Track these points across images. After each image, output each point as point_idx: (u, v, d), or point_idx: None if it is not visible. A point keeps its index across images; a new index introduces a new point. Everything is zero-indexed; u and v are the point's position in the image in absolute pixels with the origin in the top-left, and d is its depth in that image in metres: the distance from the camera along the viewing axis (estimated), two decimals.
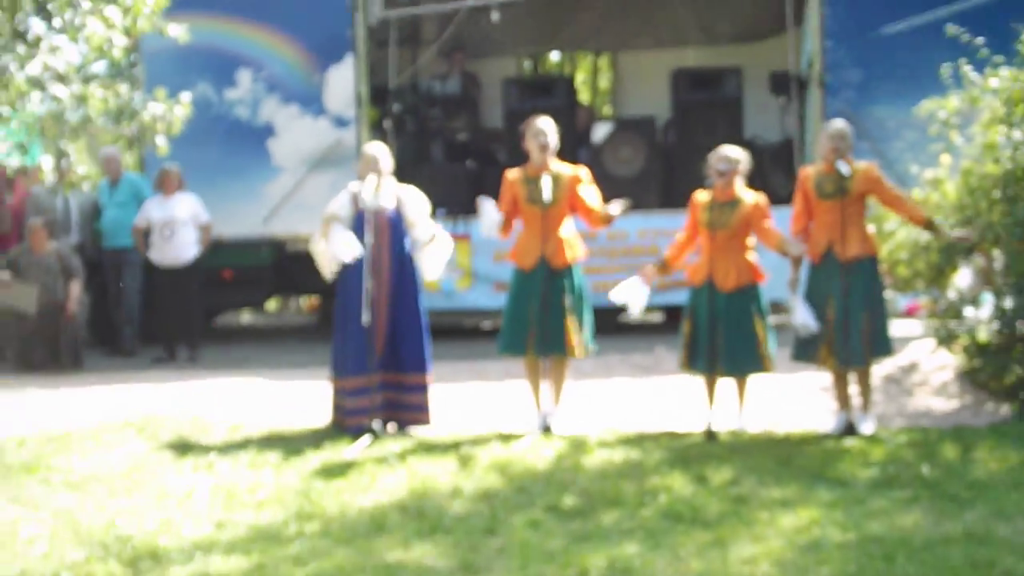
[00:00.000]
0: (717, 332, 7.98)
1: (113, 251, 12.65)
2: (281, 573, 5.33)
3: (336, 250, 8.14)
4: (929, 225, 8.17)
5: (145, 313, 12.68)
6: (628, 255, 12.33)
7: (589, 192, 8.29)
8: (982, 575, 5.09)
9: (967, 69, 9.79)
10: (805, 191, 8.17)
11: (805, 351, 8.07)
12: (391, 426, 8.22)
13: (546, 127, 8.29)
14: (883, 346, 7.97)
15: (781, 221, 8.86)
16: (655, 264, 8.42)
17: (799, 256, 8.18)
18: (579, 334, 8.19)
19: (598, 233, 10.89)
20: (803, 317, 7.91)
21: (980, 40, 9.79)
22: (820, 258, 8.01)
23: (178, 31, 10.19)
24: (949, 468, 6.87)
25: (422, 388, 8.32)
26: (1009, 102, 9.16)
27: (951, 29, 10.06)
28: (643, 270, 8.41)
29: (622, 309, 13.35)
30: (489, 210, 8.29)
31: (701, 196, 8.18)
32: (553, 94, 13.86)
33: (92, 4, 9.54)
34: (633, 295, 8.35)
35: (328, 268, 8.31)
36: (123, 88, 10.02)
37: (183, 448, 7.82)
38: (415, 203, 8.42)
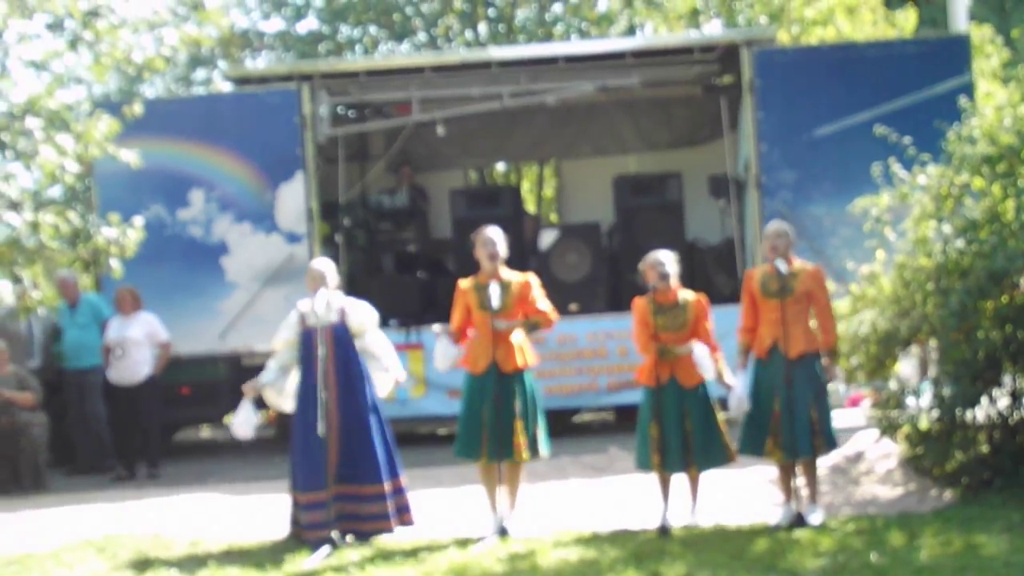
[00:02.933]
0: (688, 429, 8.13)
1: (75, 372, 12.66)
2: None
3: (237, 426, 8.56)
4: (830, 352, 8.28)
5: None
6: (579, 358, 12.54)
7: (539, 296, 8.44)
8: None
9: (896, 167, 10.12)
10: (751, 291, 8.33)
11: (752, 445, 8.22)
12: (350, 537, 8.20)
13: (495, 236, 8.47)
14: (828, 440, 8.14)
15: (723, 319, 9.08)
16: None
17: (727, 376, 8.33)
18: (525, 437, 8.26)
19: (548, 338, 11.07)
20: (740, 395, 8.12)
21: (908, 139, 10.14)
22: (766, 354, 8.16)
23: (130, 156, 10.33)
24: (896, 555, 7.00)
25: (380, 497, 8.31)
26: (938, 198, 9.46)
27: (880, 129, 10.42)
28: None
29: (575, 411, 13.61)
30: (446, 346, 8.42)
31: (646, 301, 8.22)
32: (500, 204, 14.13)
33: (45, 132, 9.69)
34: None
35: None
36: (72, 215, 10.10)
37: (143, 566, 7.85)
38: (361, 314, 8.57)
